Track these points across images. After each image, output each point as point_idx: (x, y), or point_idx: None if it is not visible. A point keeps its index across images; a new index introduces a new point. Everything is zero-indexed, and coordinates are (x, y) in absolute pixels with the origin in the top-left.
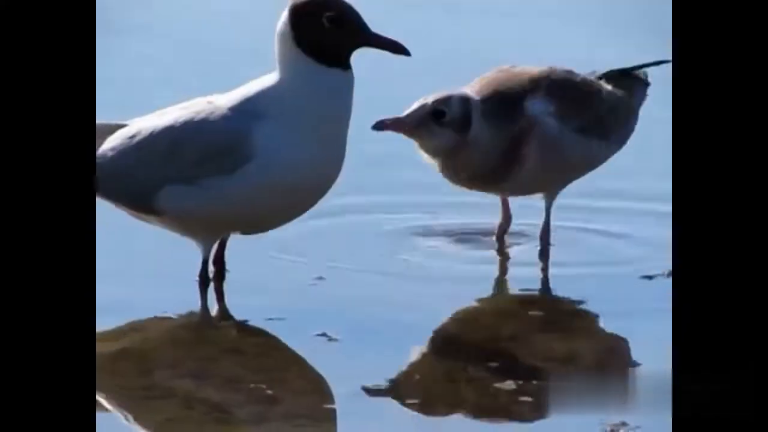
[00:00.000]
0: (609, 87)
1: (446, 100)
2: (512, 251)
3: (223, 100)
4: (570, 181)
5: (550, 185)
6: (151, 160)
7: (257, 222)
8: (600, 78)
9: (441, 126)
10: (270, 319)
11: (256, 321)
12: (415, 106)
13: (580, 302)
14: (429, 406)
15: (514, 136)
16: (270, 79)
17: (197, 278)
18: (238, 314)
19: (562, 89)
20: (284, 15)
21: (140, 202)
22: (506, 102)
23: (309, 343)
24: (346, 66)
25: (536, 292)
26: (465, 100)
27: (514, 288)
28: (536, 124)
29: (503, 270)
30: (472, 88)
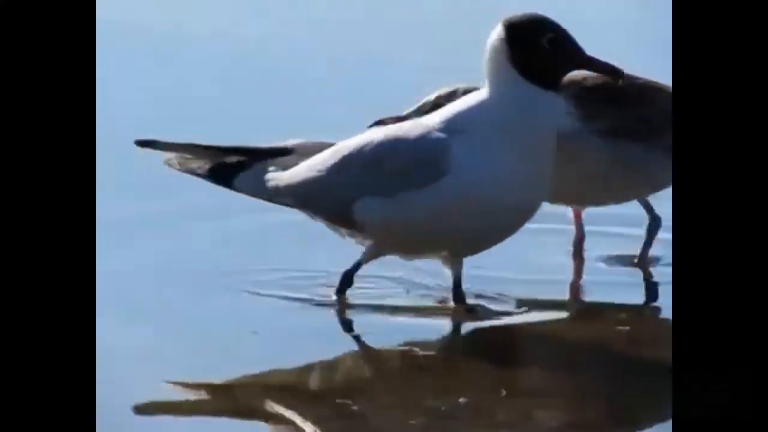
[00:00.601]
0: None
1: (451, 95)
2: None
3: (431, 119)
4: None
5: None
6: (352, 171)
7: (454, 241)
8: None
9: None
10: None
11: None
12: (419, 102)
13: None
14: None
15: None
16: (477, 95)
17: (343, 276)
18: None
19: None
20: (499, 31)
21: (339, 213)
22: None
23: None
24: (558, 89)
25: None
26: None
27: None
28: None
29: None
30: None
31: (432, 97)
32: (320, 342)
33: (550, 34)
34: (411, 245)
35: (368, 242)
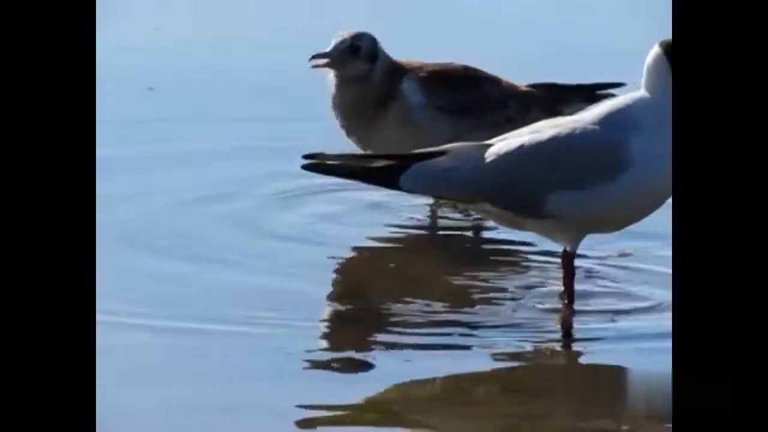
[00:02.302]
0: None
1: (360, 36)
2: None
3: (591, 116)
4: None
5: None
6: (540, 167)
7: (625, 223)
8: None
9: (357, 58)
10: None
11: None
12: (334, 42)
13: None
14: None
15: (389, 91)
16: (638, 97)
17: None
18: None
19: (438, 74)
20: (658, 50)
21: (530, 206)
22: (394, 74)
23: None
24: None
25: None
26: (372, 37)
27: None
28: (401, 95)
29: None
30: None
31: (346, 36)
32: None
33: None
34: (594, 228)
35: (559, 229)
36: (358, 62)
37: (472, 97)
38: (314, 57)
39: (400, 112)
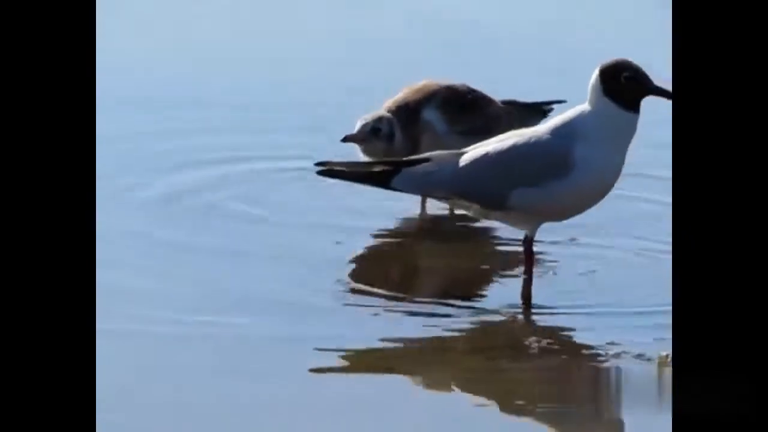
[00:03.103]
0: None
1: (380, 120)
2: None
3: (545, 128)
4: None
5: None
6: (503, 170)
7: (572, 213)
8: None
9: (378, 138)
10: None
11: None
12: (359, 125)
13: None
14: None
15: (413, 136)
16: (580, 111)
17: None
18: None
19: (453, 100)
20: (596, 73)
21: (493, 201)
22: (409, 112)
23: None
24: (637, 110)
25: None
26: (390, 119)
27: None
28: (429, 126)
29: None
30: (386, 107)
31: (368, 120)
32: None
33: (626, 73)
34: (548, 218)
35: (519, 220)
36: (378, 142)
37: (482, 120)
38: (345, 139)
39: (433, 139)
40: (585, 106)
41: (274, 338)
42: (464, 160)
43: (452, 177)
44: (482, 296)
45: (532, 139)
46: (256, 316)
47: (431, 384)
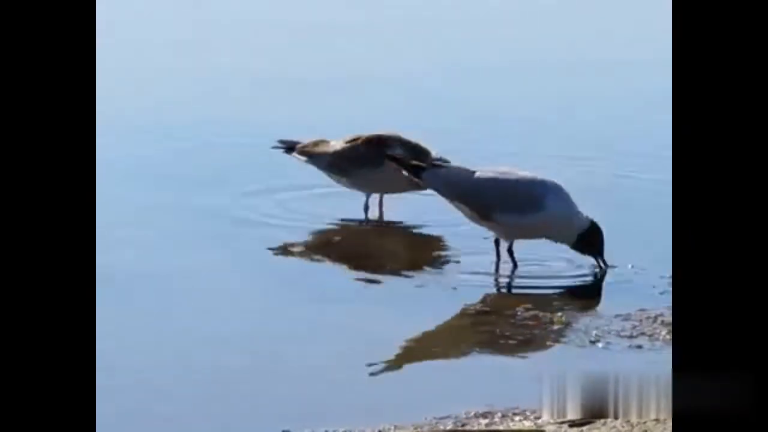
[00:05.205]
0: None
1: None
2: None
3: (522, 173)
4: None
5: None
6: (495, 195)
7: (538, 237)
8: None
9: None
10: None
11: None
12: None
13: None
14: None
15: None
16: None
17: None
18: None
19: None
20: (579, 227)
21: (485, 216)
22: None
23: None
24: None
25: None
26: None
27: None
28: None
29: None
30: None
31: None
32: None
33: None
34: (521, 236)
35: (502, 232)
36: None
37: None
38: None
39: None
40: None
41: None
42: (476, 177)
43: (463, 186)
44: (475, 273)
45: (521, 180)
46: None
47: None
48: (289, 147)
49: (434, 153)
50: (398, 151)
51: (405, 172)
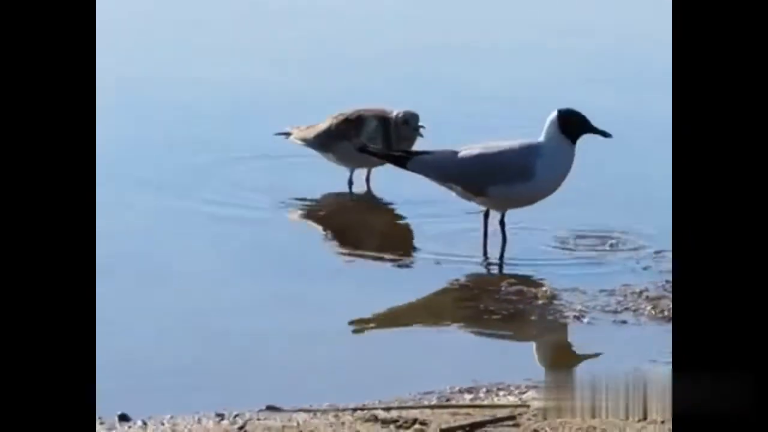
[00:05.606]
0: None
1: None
2: None
3: (517, 143)
4: None
5: None
6: (485, 170)
7: (528, 204)
8: None
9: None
10: None
11: None
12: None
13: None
14: None
15: None
16: (540, 140)
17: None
18: None
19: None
20: (554, 115)
21: (477, 191)
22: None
23: None
24: (575, 142)
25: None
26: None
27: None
28: None
29: None
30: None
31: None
32: None
33: (574, 117)
34: (513, 206)
35: (496, 204)
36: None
37: None
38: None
39: None
40: (541, 139)
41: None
42: (460, 156)
43: (450, 168)
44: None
45: (509, 150)
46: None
47: None
48: (288, 133)
49: (395, 112)
50: (373, 124)
51: (389, 163)
